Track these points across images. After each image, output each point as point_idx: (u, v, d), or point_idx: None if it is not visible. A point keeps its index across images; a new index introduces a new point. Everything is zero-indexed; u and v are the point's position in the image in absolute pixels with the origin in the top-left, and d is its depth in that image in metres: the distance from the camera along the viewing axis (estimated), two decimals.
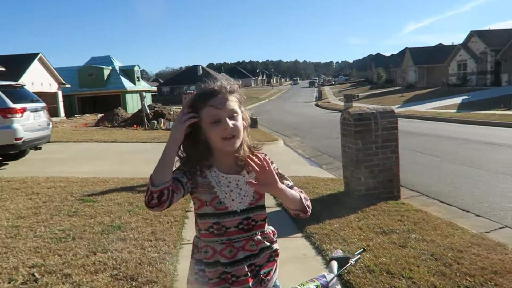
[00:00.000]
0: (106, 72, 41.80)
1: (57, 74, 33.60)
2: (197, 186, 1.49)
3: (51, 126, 9.86)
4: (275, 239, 1.62)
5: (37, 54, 30.80)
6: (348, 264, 1.56)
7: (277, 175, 1.48)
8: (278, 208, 5.48)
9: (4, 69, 26.06)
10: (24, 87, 9.41)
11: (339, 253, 1.68)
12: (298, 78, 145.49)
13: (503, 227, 4.71)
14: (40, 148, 9.43)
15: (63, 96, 35.33)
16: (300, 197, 1.55)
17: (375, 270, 3.26)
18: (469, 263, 3.35)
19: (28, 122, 8.45)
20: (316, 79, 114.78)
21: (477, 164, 8.42)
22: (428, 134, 14.35)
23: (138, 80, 45.19)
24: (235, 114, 1.50)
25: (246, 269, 1.49)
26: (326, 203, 5.51)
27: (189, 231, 4.58)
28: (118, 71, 42.74)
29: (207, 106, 1.48)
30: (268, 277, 1.56)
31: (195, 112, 1.48)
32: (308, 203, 1.58)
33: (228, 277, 1.47)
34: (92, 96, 42.08)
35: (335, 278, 1.50)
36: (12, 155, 9.19)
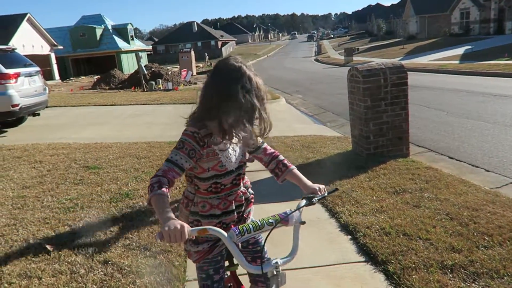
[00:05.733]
0: (99, 32, 40.56)
1: (48, 35, 32.57)
2: (201, 157, 1.64)
3: (47, 91, 9.61)
4: (249, 185, 1.89)
5: (26, 14, 29.67)
6: (313, 200, 1.65)
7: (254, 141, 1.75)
8: None
9: None
10: (16, 50, 9.05)
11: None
12: (296, 33, 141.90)
13: None
14: (38, 114, 9.24)
15: (56, 59, 34.48)
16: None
17: (391, 232, 3.21)
18: (486, 222, 3.31)
19: (23, 87, 8.21)
20: (314, 33, 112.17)
21: (484, 117, 8.29)
22: (432, 87, 14.09)
23: (132, 39, 43.98)
24: None
25: (236, 216, 1.78)
26: (335, 163, 5.43)
27: None
28: (111, 30, 41.47)
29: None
30: (249, 215, 1.88)
31: None
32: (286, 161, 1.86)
33: (219, 226, 1.72)
34: (86, 58, 41.14)
35: (298, 211, 1.58)
36: (11, 122, 9.02)
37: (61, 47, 35.02)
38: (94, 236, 3.43)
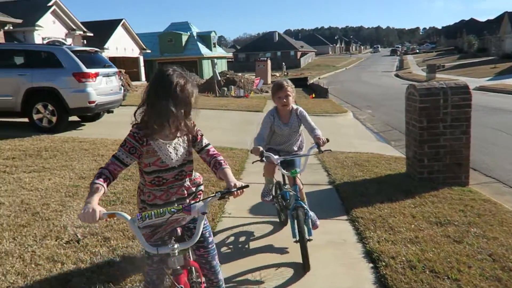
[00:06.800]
0: (184, 38, 43.00)
1: (139, 39, 35.29)
2: (142, 154, 1.91)
3: (123, 90, 10.36)
4: (201, 182, 2.14)
5: (121, 20, 32.48)
6: (216, 194, 1.81)
7: (196, 136, 2.03)
8: (329, 187, 5.23)
9: (92, 34, 27.96)
10: (99, 53, 9.92)
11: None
12: (379, 46, 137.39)
13: None
14: (112, 112, 10.00)
15: (144, 61, 37.19)
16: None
17: (417, 266, 2.93)
18: None
19: (101, 86, 8.94)
20: (398, 47, 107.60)
21: None
22: None
23: (215, 46, 45.92)
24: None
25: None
26: (382, 185, 5.12)
27: (232, 204, 4.55)
28: (195, 37, 43.75)
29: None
30: None
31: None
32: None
33: None
34: (172, 62, 43.81)
35: (201, 202, 1.78)
36: (89, 117, 9.89)
37: (149, 51, 37.72)
38: (121, 231, 3.60)
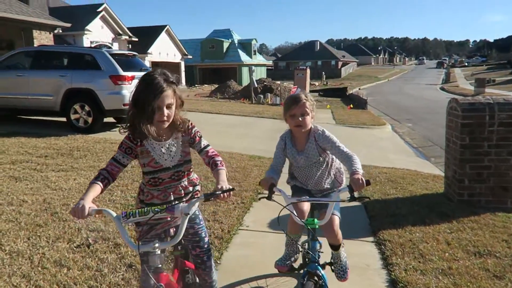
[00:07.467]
0: (226, 45, 43.58)
1: (181, 45, 36.09)
2: (137, 154, 2.00)
3: None
4: (197, 183, 2.19)
5: (165, 26, 33.38)
6: (201, 196, 1.83)
7: (194, 138, 2.08)
8: (357, 204, 4.91)
9: (136, 39, 28.88)
10: (136, 56, 10.10)
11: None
12: (424, 58, 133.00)
13: None
14: None
15: (185, 67, 37.97)
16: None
17: None
18: None
19: None
20: (446, 60, 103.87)
21: None
22: None
23: (255, 54, 46.21)
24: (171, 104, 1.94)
25: None
26: (416, 205, 4.74)
27: (252, 216, 4.35)
28: (236, 44, 44.22)
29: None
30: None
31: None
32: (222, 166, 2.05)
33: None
34: (212, 68, 44.45)
35: (184, 204, 1.82)
36: (124, 119, 10.07)
37: (191, 57, 38.48)
38: (132, 237, 3.49)
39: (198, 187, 2.18)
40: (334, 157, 2.59)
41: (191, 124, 2.08)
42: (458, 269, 3.09)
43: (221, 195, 1.80)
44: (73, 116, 8.97)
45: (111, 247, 3.31)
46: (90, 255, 3.16)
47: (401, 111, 18.80)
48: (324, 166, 2.60)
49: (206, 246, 2.18)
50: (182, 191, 2.08)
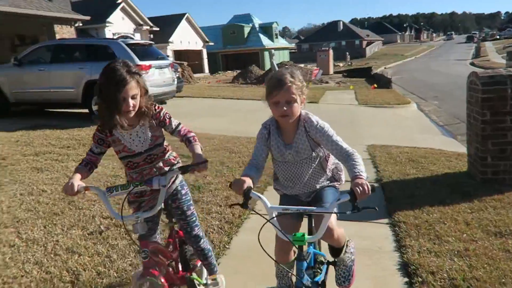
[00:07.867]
0: (247, 30, 43.23)
1: (202, 33, 36.07)
2: (110, 143, 2.13)
3: (176, 82, 10.52)
4: (175, 162, 2.28)
5: (184, 14, 33.41)
6: (173, 168, 2.22)
7: (164, 121, 2.15)
8: (375, 184, 4.77)
9: (157, 29, 29.07)
10: (152, 45, 10.14)
11: None
12: (453, 33, 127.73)
13: None
14: (165, 103, 10.19)
15: (208, 54, 37.98)
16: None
17: (461, 286, 2.48)
18: None
19: (153, 78, 9.11)
20: (476, 33, 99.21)
21: None
22: None
23: (277, 37, 45.66)
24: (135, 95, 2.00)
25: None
26: (437, 185, 4.57)
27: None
28: (257, 29, 43.78)
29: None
30: (171, 185, 2.27)
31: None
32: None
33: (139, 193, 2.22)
34: (234, 54, 44.29)
35: (161, 176, 1.99)
36: None
37: (212, 44, 38.43)
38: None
39: (178, 165, 2.24)
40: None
41: (157, 107, 2.13)
42: (476, 250, 2.95)
43: (196, 167, 1.92)
44: (94, 107, 9.15)
45: (122, 234, 3.36)
46: (102, 242, 3.22)
47: (428, 88, 18.16)
48: (317, 163, 2.10)
49: (189, 218, 2.30)
50: (157, 172, 2.18)
